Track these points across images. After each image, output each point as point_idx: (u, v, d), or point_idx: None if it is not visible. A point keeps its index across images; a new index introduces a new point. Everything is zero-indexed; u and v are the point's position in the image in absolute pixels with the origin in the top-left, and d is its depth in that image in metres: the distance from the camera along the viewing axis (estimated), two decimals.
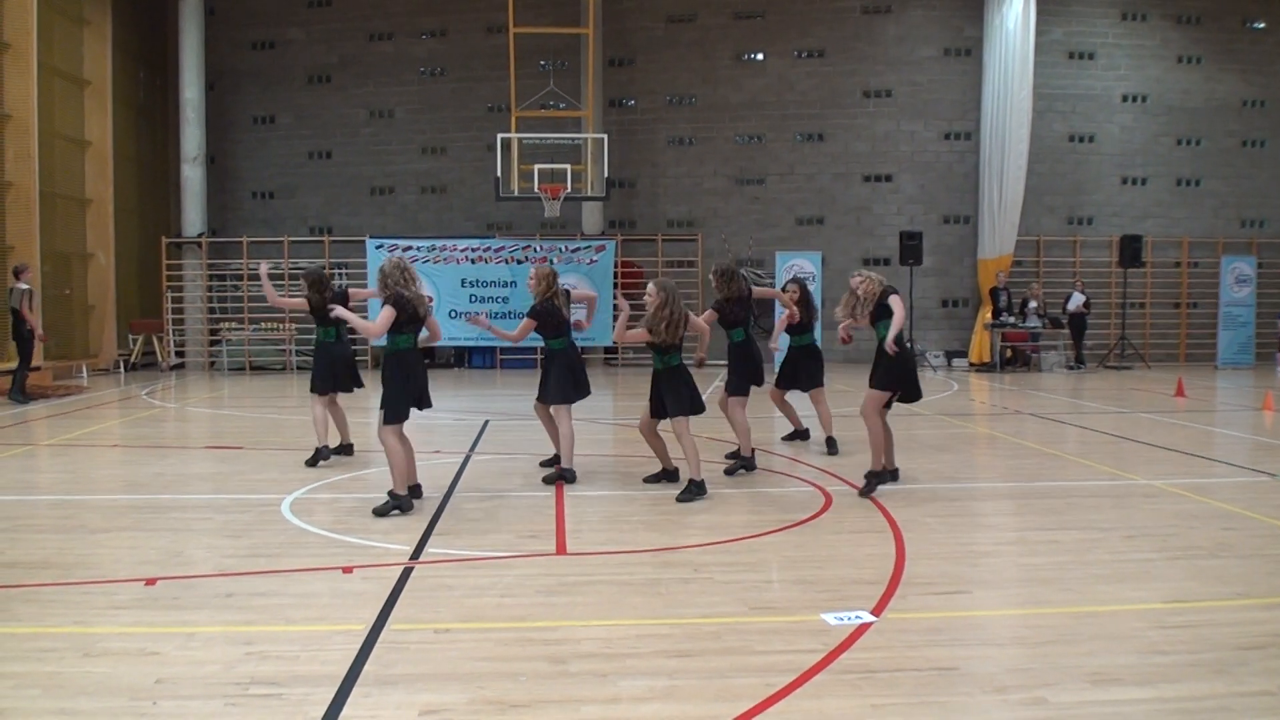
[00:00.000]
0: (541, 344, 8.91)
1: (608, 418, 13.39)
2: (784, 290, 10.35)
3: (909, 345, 8.51)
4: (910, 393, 8.19)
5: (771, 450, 10.36)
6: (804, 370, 10.51)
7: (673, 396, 7.97)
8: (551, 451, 9.11)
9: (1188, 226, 23.94)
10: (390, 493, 7.34)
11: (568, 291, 9.30)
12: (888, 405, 8.24)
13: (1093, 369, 21.86)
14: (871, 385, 8.17)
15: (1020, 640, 4.66)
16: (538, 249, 22.01)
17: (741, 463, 9.00)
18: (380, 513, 7.18)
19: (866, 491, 7.93)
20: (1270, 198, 24.05)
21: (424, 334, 7.68)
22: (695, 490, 7.83)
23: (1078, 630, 4.73)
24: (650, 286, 8.03)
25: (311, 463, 9.40)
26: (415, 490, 7.66)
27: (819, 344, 10.98)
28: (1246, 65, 23.74)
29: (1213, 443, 11.22)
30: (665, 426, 8.32)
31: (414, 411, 7.61)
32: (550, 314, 8.62)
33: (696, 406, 8.00)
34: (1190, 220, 23.97)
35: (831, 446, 10.22)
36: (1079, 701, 3.90)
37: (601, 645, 4.51)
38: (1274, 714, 3.80)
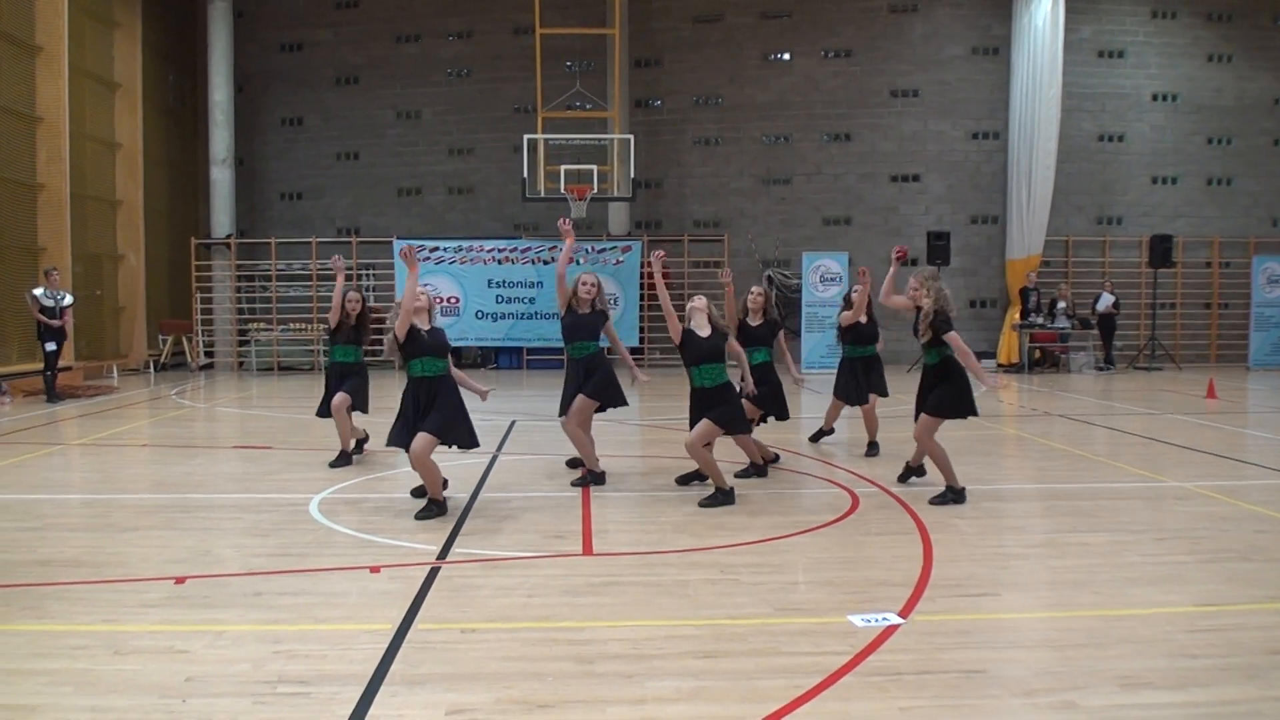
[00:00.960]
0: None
1: (634, 419, 13.39)
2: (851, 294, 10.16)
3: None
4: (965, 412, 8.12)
5: (799, 451, 10.33)
6: (869, 382, 10.38)
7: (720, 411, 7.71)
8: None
9: (1219, 226, 23.69)
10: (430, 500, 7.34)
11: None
12: None
13: (1122, 370, 21.68)
14: (928, 411, 8.02)
15: (1049, 643, 4.63)
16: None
17: (754, 469, 8.90)
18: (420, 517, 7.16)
19: (939, 501, 7.73)
20: None
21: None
22: (721, 498, 7.66)
23: (1107, 633, 4.69)
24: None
25: (335, 464, 9.52)
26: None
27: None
28: (1278, 63, 23.48)
29: (1244, 445, 11.11)
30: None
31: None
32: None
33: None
34: (1221, 220, 23.73)
35: (873, 450, 10.16)
36: (1108, 705, 3.87)
37: (628, 646, 4.51)
38: None
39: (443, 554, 6.16)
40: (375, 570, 5.75)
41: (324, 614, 5.00)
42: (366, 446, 10.13)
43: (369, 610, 5.06)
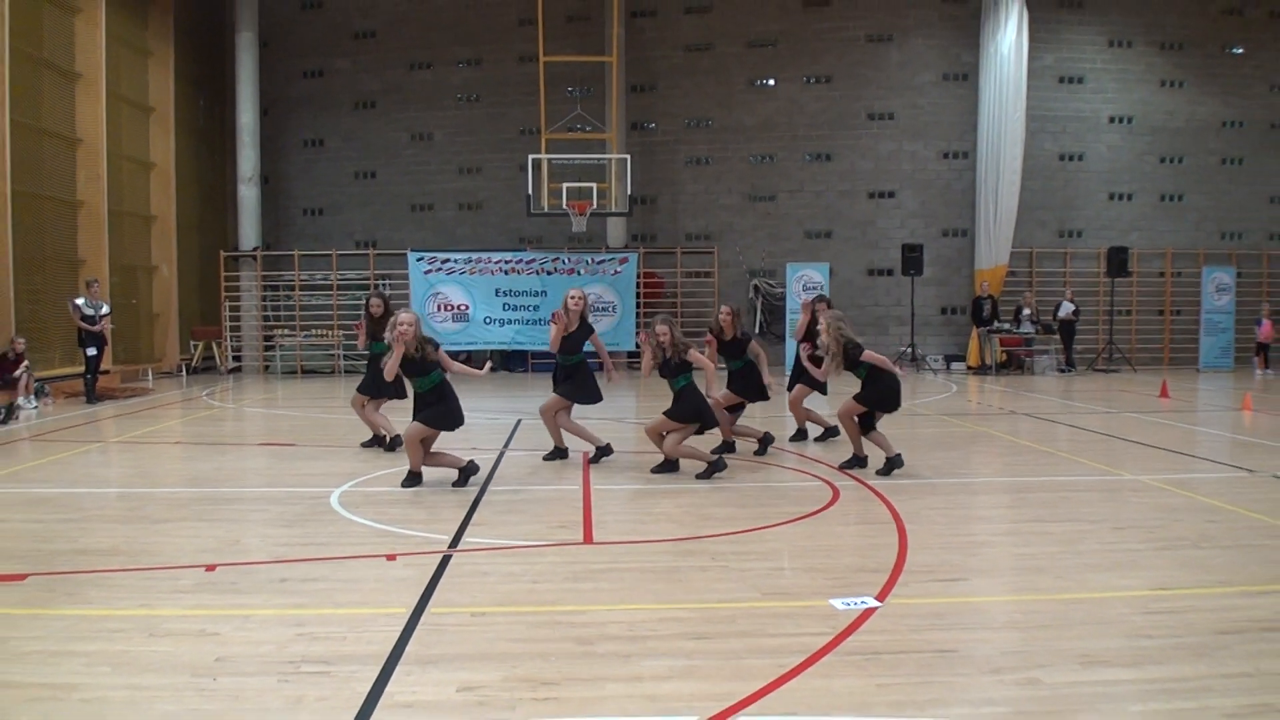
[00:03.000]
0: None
1: (631, 417, 13.39)
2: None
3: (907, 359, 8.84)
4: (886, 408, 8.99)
5: (783, 448, 10.33)
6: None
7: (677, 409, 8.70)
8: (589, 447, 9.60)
9: (1171, 239, 23.73)
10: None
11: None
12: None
13: (1082, 372, 21.70)
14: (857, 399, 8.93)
15: (1015, 624, 4.64)
16: (566, 261, 22.02)
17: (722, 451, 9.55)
18: (459, 483, 8.10)
19: (849, 466, 8.93)
20: (1248, 212, 23.82)
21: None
22: (716, 466, 8.59)
23: (1069, 615, 4.70)
24: (662, 327, 8.76)
25: (389, 448, 9.99)
26: (471, 465, 8.35)
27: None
28: (1226, 88, 23.53)
29: (1196, 441, 11.12)
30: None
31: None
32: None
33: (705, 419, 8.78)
34: (1173, 233, 23.76)
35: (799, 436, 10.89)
36: (1070, 682, 3.88)
37: (625, 628, 4.51)
38: (1252, 694, 3.77)
39: (454, 543, 6.15)
40: (391, 558, 5.75)
41: (344, 599, 4.99)
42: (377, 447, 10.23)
43: (385, 595, 5.06)
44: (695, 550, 5.98)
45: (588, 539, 6.29)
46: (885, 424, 9.62)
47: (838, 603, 4.83)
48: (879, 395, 8.82)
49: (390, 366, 8.03)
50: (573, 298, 9.48)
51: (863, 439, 8.98)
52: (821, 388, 10.72)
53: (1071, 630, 4.48)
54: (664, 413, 8.76)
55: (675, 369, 8.68)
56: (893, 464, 8.68)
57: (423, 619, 4.64)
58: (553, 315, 9.52)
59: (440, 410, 8.14)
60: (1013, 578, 5.54)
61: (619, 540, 6.27)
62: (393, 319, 8.10)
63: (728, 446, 9.94)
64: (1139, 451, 10.02)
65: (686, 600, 4.96)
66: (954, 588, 5.23)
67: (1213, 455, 9.84)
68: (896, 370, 8.85)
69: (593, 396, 9.60)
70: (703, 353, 9.05)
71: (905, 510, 7.05)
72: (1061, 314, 21.79)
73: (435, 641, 4.35)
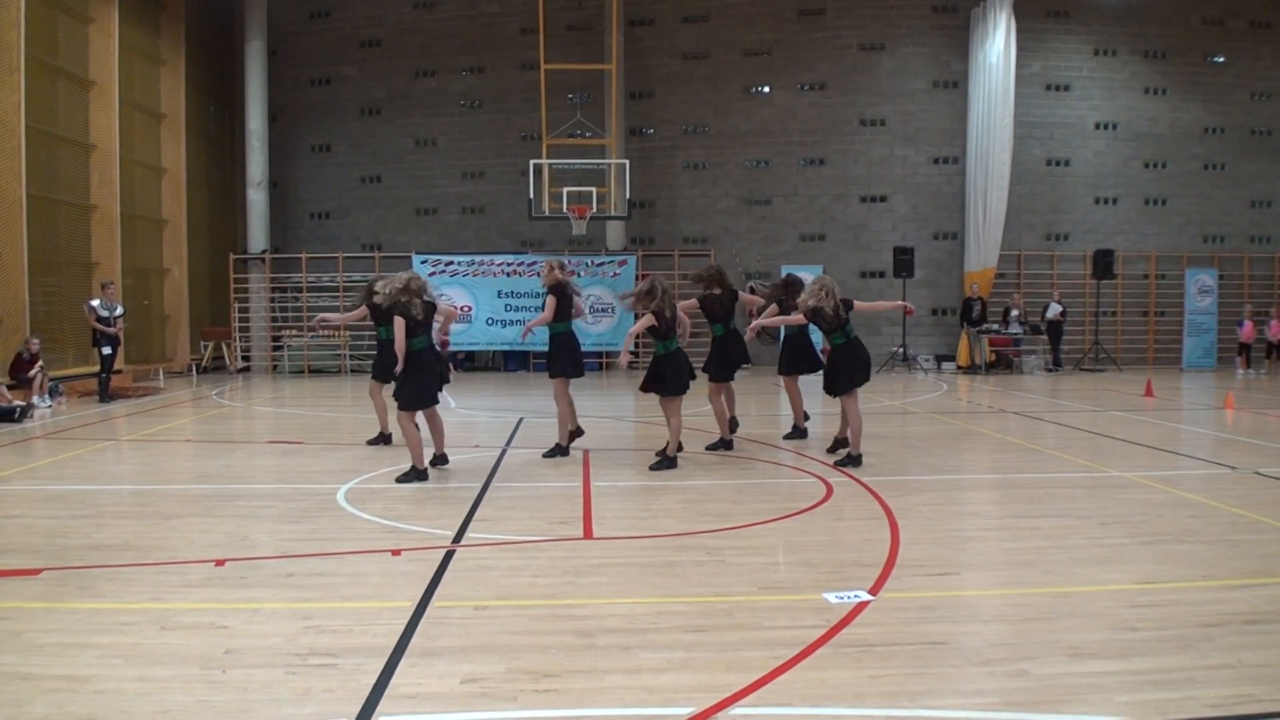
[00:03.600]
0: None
1: (630, 416, 13.39)
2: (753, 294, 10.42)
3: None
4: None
5: (779, 445, 10.32)
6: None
7: (670, 377, 8.74)
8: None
9: (1155, 242, 23.73)
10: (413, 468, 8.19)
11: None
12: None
13: (1069, 371, 21.71)
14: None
15: (1004, 617, 4.63)
16: (566, 263, 21.93)
17: (722, 443, 9.53)
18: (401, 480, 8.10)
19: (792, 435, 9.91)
20: (1230, 216, 23.83)
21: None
22: (666, 463, 8.67)
23: (1056, 608, 4.70)
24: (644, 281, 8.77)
25: (373, 442, 10.18)
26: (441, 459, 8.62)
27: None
28: (1208, 96, 23.53)
29: (1179, 438, 11.13)
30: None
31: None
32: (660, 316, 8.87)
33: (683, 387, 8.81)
34: (1158, 236, 23.76)
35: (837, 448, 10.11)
36: (1057, 674, 3.87)
37: (624, 621, 4.51)
38: (1235, 685, 3.76)
39: (457, 538, 6.15)
40: (396, 553, 5.74)
41: (350, 593, 4.99)
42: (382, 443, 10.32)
43: (391, 589, 5.05)
44: (693, 545, 5.97)
45: (588, 534, 6.28)
46: (872, 421, 9.59)
47: (831, 596, 4.83)
48: (854, 364, 8.87)
49: (398, 340, 8.03)
50: (542, 272, 9.83)
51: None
52: (813, 367, 10.47)
53: (1059, 623, 4.48)
54: (651, 390, 8.82)
55: (665, 329, 8.71)
56: (850, 456, 8.83)
57: (427, 612, 4.63)
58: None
59: (411, 386, 8.16)
60: (1002, 572, 5.53)
61: (618, 536, 6.26)
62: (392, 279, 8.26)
63: (728, 435, 9.93)
64: (1124, 449, 10.02)
65: (684, 594, 4.96)
66: (945, 581, 5.22)
67: (1196, 452, 9.83)
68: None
69: (576, 370, 9.63)
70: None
71: (897, 506, 7.05)
72: (1049, 315, 21.80)
73: (439, 634, 4.34)
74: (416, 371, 8.20)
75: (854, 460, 8.82)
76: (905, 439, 11.02)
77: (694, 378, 9.07)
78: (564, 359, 9.56)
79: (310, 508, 7.16)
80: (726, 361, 9.91)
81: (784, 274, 21.48)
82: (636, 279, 21.87)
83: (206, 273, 22.97)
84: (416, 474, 8.16)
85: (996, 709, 3.58)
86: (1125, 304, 23.61)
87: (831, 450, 9.32)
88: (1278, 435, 11.22)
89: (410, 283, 8.20)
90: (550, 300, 9.48)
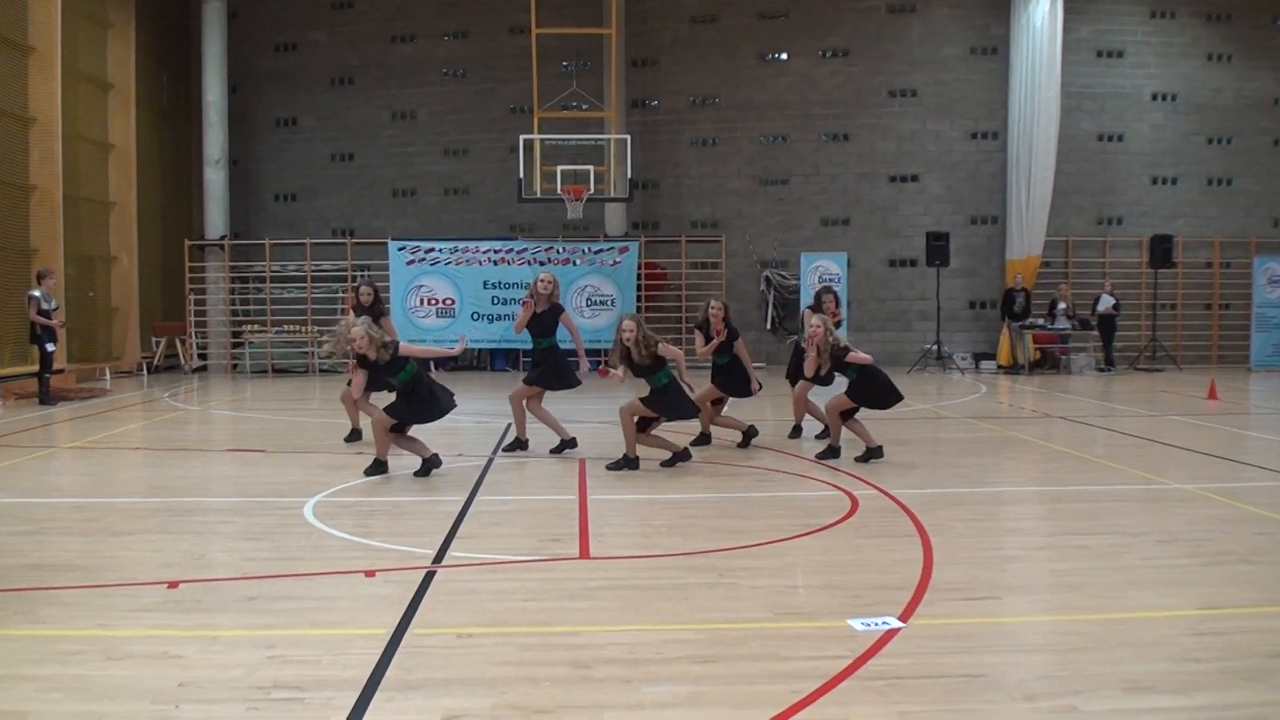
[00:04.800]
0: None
1: None
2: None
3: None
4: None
5: (799, 454, 10.32)
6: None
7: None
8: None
9: (1219, 226, 23.72)
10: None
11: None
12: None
13: (1122, 371, 21.69)
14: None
15: (1050, 647, 4.62)
16: (560, 250, 22.02)
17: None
18: (420, 472, 8.70)
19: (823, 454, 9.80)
20: None
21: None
22: (626, 463, 9.19)
23: (1108, 637, 4.68)
24: (628, 323, 9.17)
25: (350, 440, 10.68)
26: (435, 459, 8.88)
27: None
28: (1278, 62, 23.52)
29: (1245, 446, 11.12)
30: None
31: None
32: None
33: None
34: (1222, 220, 23.75)
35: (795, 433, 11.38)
36: (1110, 710, 3.86)
37: (625, 650, 4.50)
38: None
39: (438, 558, 6.14)
40: (370, 574, 5.74)
41: (318, 618, 4.98)
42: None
43: (364, 615, 5.05)
44: (702, 566, 5.96)
45: (584, 553, 6.28)
46: (903, 426, 9.63)
47: (857, 623, 4.82)
48: (872, 393, 9.57)
49: (357, 384, 8.75)
50: (542, 280, 10.35)
51: (843, 429, 9.80)
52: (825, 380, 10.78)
53: (1112, 653, 4.47)
54: (640, 398, 9.23)
55: (649, 368, 9.12)
56: (872, 454, 9.49)
57: (404, 641, 4.62)
58: (523, 301, 10.34)
59: (409, 404, 8.68)
60: (1047, 596, 5.52)
61: (619, 555, 6.25)
62: (339, 333, 8.51)
63: (704, 438, 10.70)
64: (1184, 458, 10.01)
65: (692, 620, 4.95)
66: (983, 607, 5.22)
67: (1264, 462, 9.82)
68: (868, 357, 9.51)
69: (567, 381, 10.32)
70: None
71: (930, 522, 7.04)
72: (1100, 308, 21.76)
73: (418, 665, 4.33)
74: (415, 394, 8.70)
75: (833, 452, 9.82)
76: (939, 447, 11.01)
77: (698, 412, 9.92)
78: (547, 367, 10.27)
79: (274, 523, 7.15)
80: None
81: (804, 263, 21.55)
82: (638, 268, 21.90)
83: (158, 261, 23.00)
84: (378, 465, 8.79)
85: None
86: (1186, 295, 23.59)
87: (862, 459, 9.37)
88: None
89: (343, 339, 8.73)
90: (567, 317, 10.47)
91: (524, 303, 10.32)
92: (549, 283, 10.37)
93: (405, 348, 8.76)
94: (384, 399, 10.40)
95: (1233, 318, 23.63)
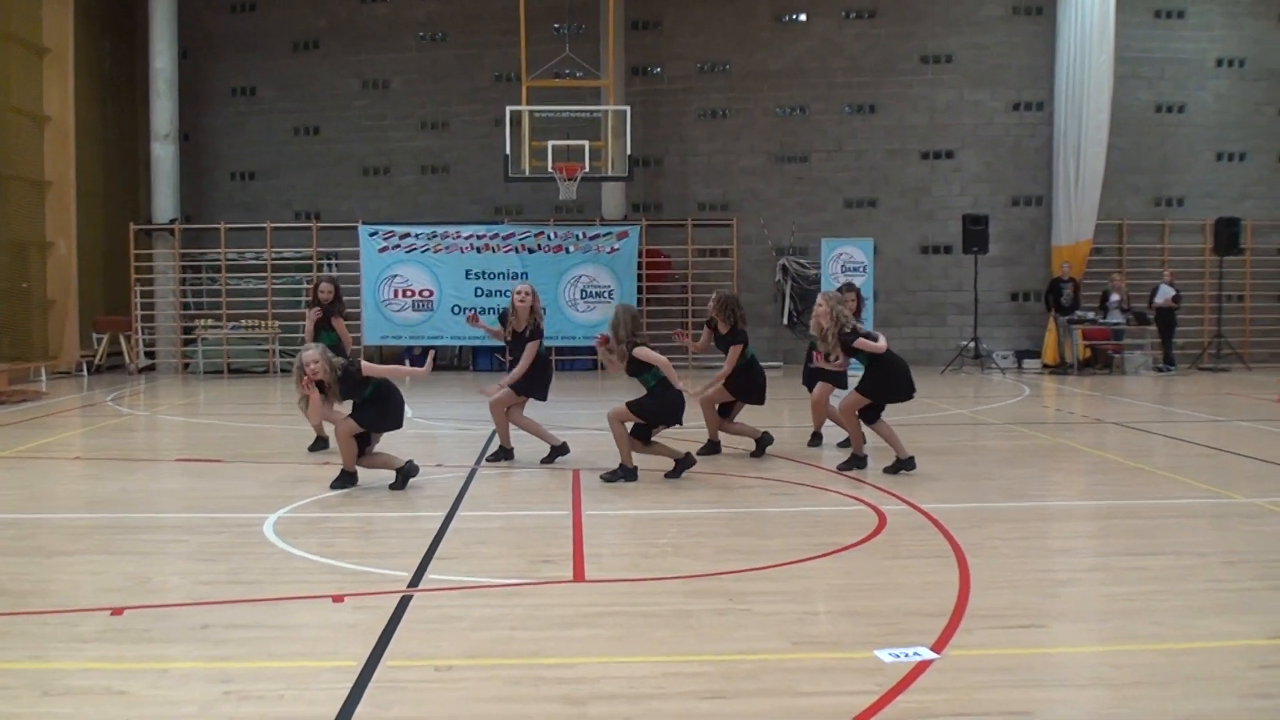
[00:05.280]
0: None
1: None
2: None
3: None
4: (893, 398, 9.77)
5: (819, 464, 10.32)
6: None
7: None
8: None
9: None
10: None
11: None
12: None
13: (1184, 371, 21.69)
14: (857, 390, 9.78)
15: (1103, 681, 4.62)
16: (551, 236, 22.03)
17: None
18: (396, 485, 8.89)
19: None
20: None
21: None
22: (624, 474, 9.23)
23: (1170, 670, 4.68)
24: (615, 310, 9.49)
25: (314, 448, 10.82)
26: (410, 466, 9.07)
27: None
28: None
29: None
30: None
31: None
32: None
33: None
34: None
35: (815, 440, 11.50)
36: None
37: (624, 685, 4.50)
38: None
39: (415, 581, 6.15)
40: (338, 599, 5.74)
41: (280, 649, 4.98)
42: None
43: (331, 645, 5.05)
44: (710, 590, 5.97)
45: (578, 576, 6.28)
46: (936, 434, 9.63)
47: (885, 654, 4.82)
48: (884, 384, 9.58)
49: (314, 410, 8.78)
50: (519, 294, 10.46)
51: (864, 436, 9.78)
52: (843, 382, 10.90)
53: (1173, 689, 4.47)
54: (627, 403, 9.28)
55: (635, 368, 9.25)
56: (903, 465, 9.47)
57: (376, 674, 4.62)
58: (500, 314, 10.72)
59: (378, 411, 8.86)
60: (1100, 624, 5.52)
61: (617, 578, 6.26)
62: (296, 365, 8.74)
63: (712, 446, 10.77)
64: (1254, 468, 10.01)
65: (699, 652, 4.95)
66: (1027, 636, 5.22)
67: None
68: (880, 344, 9.41)
69: (539, 393, 10.48)
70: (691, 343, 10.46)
71: (967, 541, 7.04)
72: (1158, 300, 21.73)
73: (392, 701, 4.34)
74: (384, 399, 8.92)
75: (857, 461, 9.80)
76: (977, 456, 11.01)
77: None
78: (533, 376, 10.36)
79: (230, 542, 7.15)
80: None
81: (825, 250, 21.58)
82: (639, 256, 21.90)
83: (100, 248, 22.99)
84: (345, 477, 8.91)
85: None
86: (1254, 286, 23.61)
87: (891, 470, 9.38)
88: None
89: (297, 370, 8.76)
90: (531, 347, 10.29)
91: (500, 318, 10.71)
92: (526, 295, 10.47)
93: (368, 368, 8.91)
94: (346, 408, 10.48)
95: None
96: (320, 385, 8.66)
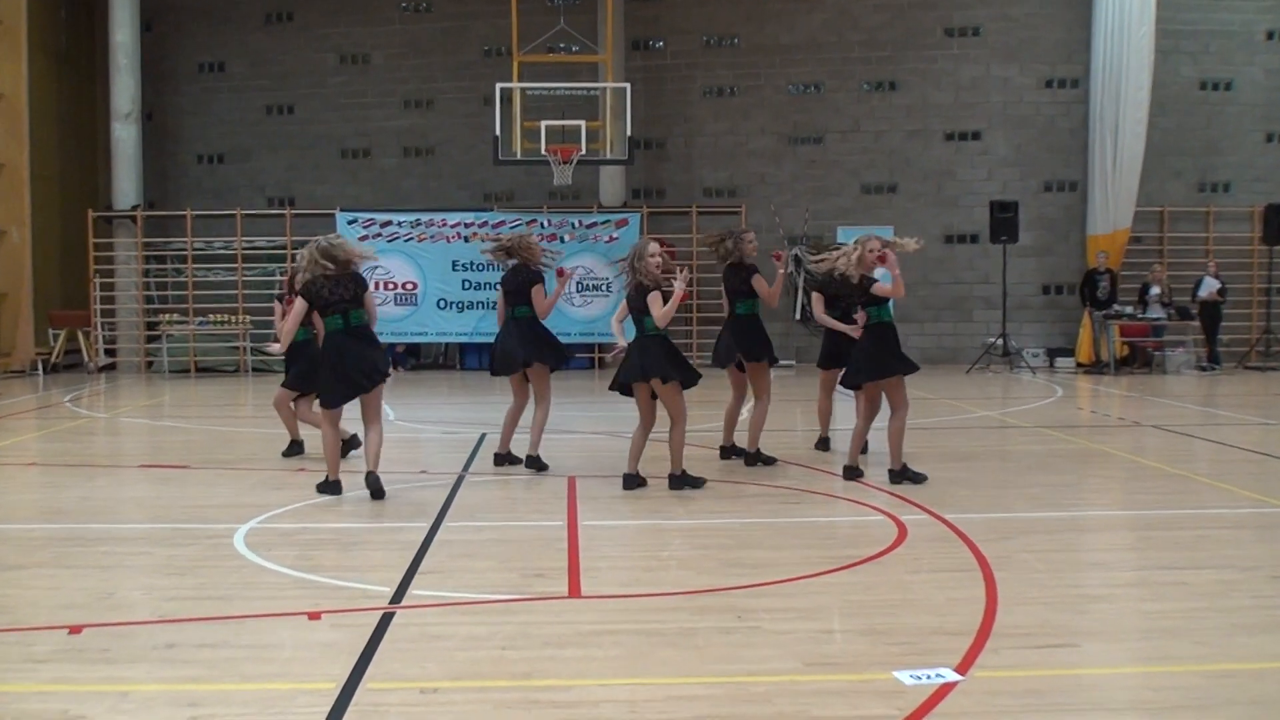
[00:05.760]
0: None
1: (625, 430, 13.37)
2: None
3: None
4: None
5: (834, 470, 10.32)
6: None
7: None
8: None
9: None
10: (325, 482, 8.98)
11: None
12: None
13: (1230, 370, 21.67)
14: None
15: (1141, 705, 4.63)
16: (545, 224, 22.03)
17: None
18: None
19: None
20: None
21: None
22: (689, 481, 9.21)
23: (1212, 693, 4.69)
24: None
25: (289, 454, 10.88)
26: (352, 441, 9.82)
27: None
28: None
29: None
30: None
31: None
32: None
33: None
34: None
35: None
36: None
37: (624, 709, 4.52)
38: None
39: (398, 596, 6.16)
40: (315, 616, 5.75)
41: (252, 670, 5.00)
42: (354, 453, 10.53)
43: (307, 665, 5.06)
44: (716, 606, 5.98)
45: (574, 591, 6.29)
46: (962, 438, 9.62)
47: (905, 676, 4.83)
48: (881, 353, 9.41)
49: (292, 320, 8.96)
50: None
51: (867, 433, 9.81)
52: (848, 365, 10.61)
53: (1216, 713, 4.48)
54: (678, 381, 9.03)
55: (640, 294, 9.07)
56: (905, 475, 9.32)
57: (356, 697, 4.63)
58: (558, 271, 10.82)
59: (332, 374, 8.87)
60: (1137, 643, 5.53)
61: (616, 593, 6.27)
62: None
63: (729, 452, 10.79)
64: None
65: (704, 673, 4.96)
66: (1058, 656, 5.23)
67: None
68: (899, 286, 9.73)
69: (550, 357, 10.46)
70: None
71: (994, 554, 7.05)
72: (1202, 293, 21.71)
73: None
74: (338, 357, 8.85)
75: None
76: (1005, 462, 11.01)
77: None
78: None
79: (198, 555, 7.16)
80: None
81: (841, 239, 21.56)
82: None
83: (56, 237, 22.99)
84: (329, 485, 8.96)
85: None
86: None
87: (849, 477, 9.36)
88: None
89: (316, 249, 8.77)
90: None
91: (558, 272, 10.81)
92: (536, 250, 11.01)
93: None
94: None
95: None
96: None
